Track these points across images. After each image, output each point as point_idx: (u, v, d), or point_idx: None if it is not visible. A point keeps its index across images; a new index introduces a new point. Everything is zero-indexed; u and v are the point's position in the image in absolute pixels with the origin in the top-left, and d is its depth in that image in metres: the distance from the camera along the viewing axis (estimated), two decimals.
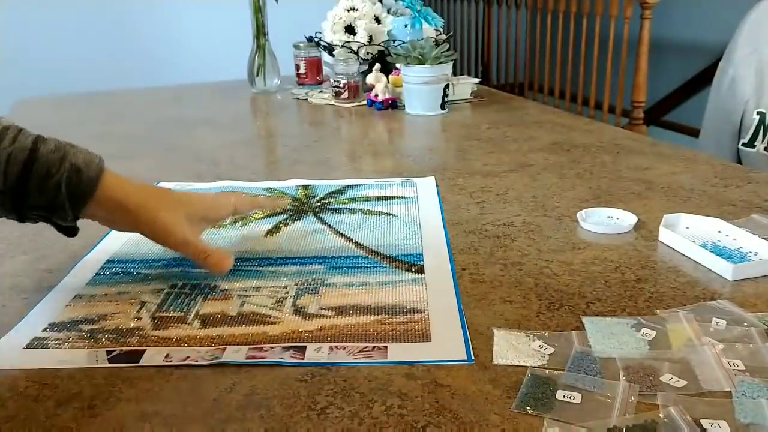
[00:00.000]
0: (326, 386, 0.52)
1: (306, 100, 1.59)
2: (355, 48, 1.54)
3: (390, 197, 0.92)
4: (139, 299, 0.66)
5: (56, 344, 0.58)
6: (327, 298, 0.65)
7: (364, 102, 1.51)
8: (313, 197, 0.93)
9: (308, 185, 0.98)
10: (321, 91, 1.64)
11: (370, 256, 0.74)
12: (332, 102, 1.54)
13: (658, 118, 4.13)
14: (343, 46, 1.54)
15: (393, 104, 1.47)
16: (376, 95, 1.47)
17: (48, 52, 2.77)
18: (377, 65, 1.48)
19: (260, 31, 1.63)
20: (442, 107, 1.40)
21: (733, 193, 0.90)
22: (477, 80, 1.55)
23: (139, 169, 1.09)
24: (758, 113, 1.51)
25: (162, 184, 1.00)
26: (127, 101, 1.70)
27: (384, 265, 0.72)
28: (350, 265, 0.72)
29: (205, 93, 1.75)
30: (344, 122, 1.42)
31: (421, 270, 0.70)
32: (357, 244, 0.77)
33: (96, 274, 0.71)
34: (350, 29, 1.55)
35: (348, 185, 0.97)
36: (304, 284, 0.68)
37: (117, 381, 0.53)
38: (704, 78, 4.00)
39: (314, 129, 1.40)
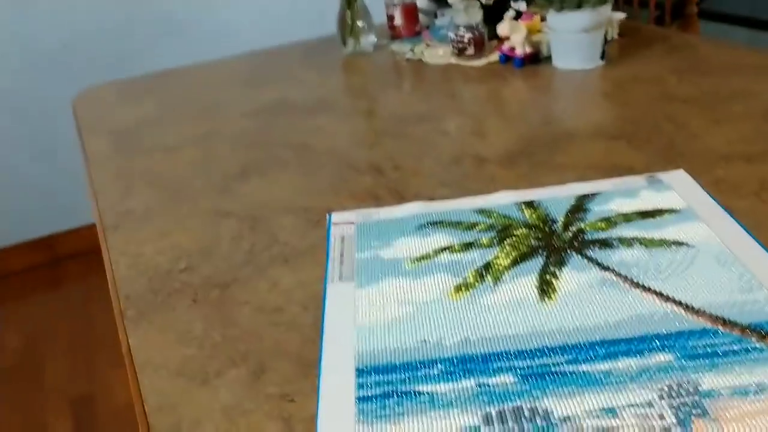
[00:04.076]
0: None
1: (420, 60, 1.34)
2: None
3: (654, 211, 0.71)
4: None
5: None
6: (729, 425, 0.45)
7: (495, 58, 1.26)
8: (553, 221, 0.71)
9: (531, 201, 0.76)
10: (428, 45, 1.38)
11: (720, 327, 0.53)
12: (453, 61, 1.30)
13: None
14: None
15: (535, 58, 1.22)
16: (512, 48, 1.22)
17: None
18: (510, 11, 1.22)
19: None
20: (602, 57, 1.16)
21: None
22: (623, 15, 1.29)
23: (286, 192, 0.87)
24: None
25: (337, 214, 0.79)
26: (200, 83, 1.45)
27: (758, 346, 0.51)
28: (706, 349, 0.51)
29: (290, 61, 1.49)
30: (488, 89, 1.17)
31: None
32: (683, 305, 0.56)
33: (358, 399, 0.51)
34: None
35: (582, 195, 0.76)
36: (673, 396, 0.48)
37: None
38: None
39: (460, 104, 1.14)
